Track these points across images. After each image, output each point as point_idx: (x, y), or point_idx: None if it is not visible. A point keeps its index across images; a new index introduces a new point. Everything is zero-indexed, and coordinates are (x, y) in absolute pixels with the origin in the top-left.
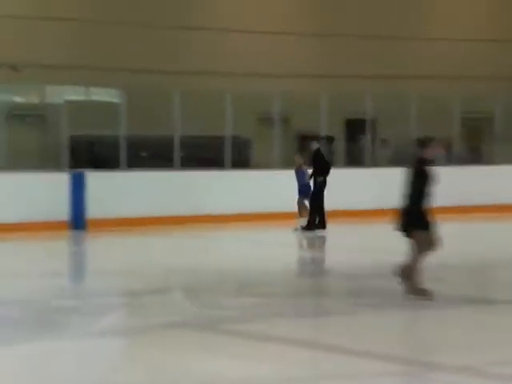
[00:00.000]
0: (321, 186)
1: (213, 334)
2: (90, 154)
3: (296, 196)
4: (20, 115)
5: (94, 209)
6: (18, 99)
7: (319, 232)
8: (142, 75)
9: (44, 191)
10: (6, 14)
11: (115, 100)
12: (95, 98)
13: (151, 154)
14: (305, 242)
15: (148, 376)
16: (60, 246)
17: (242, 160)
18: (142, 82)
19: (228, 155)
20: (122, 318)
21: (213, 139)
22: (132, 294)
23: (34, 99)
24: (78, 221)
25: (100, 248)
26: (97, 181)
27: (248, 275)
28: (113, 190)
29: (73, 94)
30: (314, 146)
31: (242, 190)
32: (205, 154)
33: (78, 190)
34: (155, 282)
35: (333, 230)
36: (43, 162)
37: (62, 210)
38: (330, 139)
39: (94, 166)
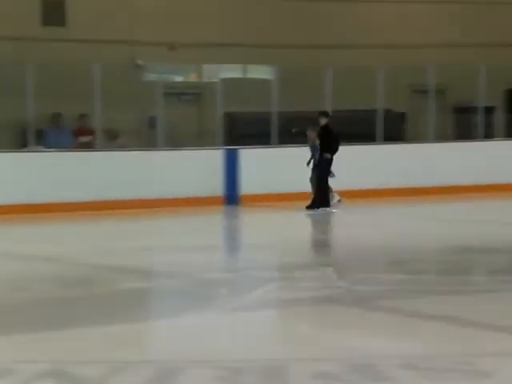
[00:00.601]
0: (328, 164)
1: (363, 310)
2: (243, 130)
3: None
4: (177, 94)
5: (246, 184)
6: (175, 78)
7: (323, 210)
8: (295, 51)
9: (200, 168)
10: None
11: (269, 77)
12: (250, 75)
13: (301, 130)
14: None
15: (299, 350)
16: (214, 221)
17: (394, 134)
18: (295, 58)
19: (380, 129)
20: (273, 292)
21: (364, 113)
22: (283, 268)
23: (190, 78)
24: (231, 196)
25: (252, 223)
26: (249, 157)
27: (401, 251)
28: (265, 166)
29: (229, 72)
30: (323, 121)
31: (393, 165)
32: (356, 128)
33: (231, 166)
34: (306, 257)
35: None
36: (199, 139)
37: (216, 186)
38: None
39: (247, 143)
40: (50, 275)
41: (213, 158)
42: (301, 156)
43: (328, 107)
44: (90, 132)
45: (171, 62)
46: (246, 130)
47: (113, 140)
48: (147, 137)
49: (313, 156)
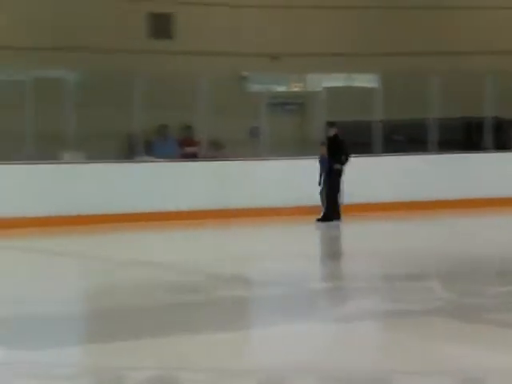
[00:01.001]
0: (338, 175)
1: (469, 322)
2: (346, 139)
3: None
4: (280, 103)
5: (348, 193)
6: (279, 88)
7: (335, 223)
8: (398, 58)
9: (301, 177)
10: (264, 4)
11: (373, 85)
12: (354, 83)
13: (406, 137)
14: None
15: (405, 362)
16: (315, 230)
17: (503, 142)
18: (399, 66)
19: (488, 137)
20: (376, 303)
21: (469, 120)
22: (386, 278)
23: (294, 87)
24: None
25: (354, 232)
26: (350, 165)
27: (503, 262)
28: (366, 175)
29: (332, 81)
30: (331, 132)
31: (503, 172)
32: (461, 136)
33: None
34: (410, 268)
35: None
36: (302, 148)
37: (316, 195)
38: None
39: (350, 152)
40: (162, 282)
41: (315, 167)
42: (405, 165)
43: (434, 114)
44: (195, 143)
45: (275, 72)
46: (348, 139)
47: (217, 150)
48: (251, 147)
49: (322, 170)
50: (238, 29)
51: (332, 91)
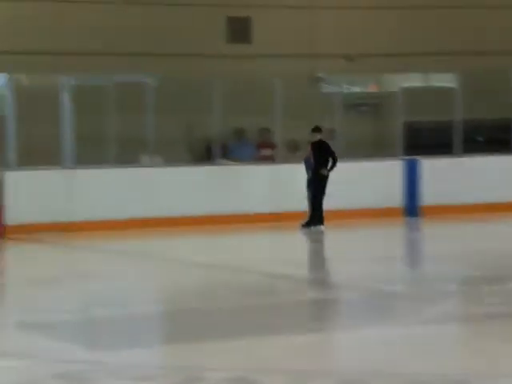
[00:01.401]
0: (324, 180)
1: None
2: (424, 140)
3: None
4: (356, 104)
5: (428, 196)
6: (355, 89)
7: (316, 228)
8: (478, 57)
9: (378, 179)
10: (340, 5)
11: (452, 85)
12: (431, 83)
13: (488, 138)
14: None
15: (488, 365)
16: (394, 232)
17: None
18: (478, 65)
19: None
20: (458, 306)
21: None
22: (468, 281)
23: (369, 88)
24: (411, 208)
25: (435, 235)
26: (431, 167)
27: None
28: (447, 177)
29: (409, 81)
30: (316, 136)
31: None
32: None
33: (411, 176)
34: (490, 270)
35: None
36: (378, 150)
37: (395, 197)
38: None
39: (428, 153)
40: (239, 284)
41: (392, 169)
42: (486, 166)
43: None
44: (272, 145)
45: (350, 73)
46: (426, 140)
47: (293, 152)
48: None
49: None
50: (315, 30)
51: (409, 91)
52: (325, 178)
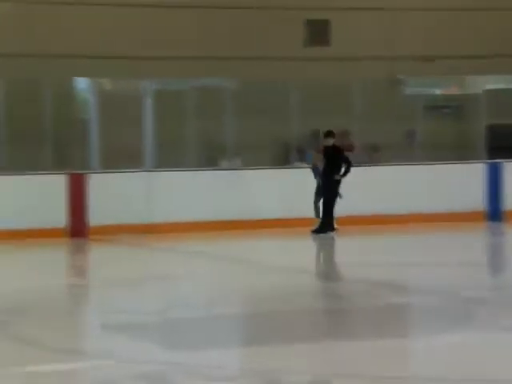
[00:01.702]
0: (336, 185)
1: None
2: (508, 143)
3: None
4: (437, 106)
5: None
6: (436, 91)
7: (326, 235)
8: None
9: (460, 182)
10: (418, 7)
11: None
12: None
13: None
14: None
15: None
16: (477, 237)
17: None
18: None
19: None
20: None
21: None
22: None
23: (452, 90)
24: (494, 211)
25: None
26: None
27: None
28: None
29: (493, 83)
30: (329, 141)
31: None
32: None
33: (494, 180)
34: None
35: None
36: (460, 152)
37: (478, 201)
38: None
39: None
40: (311, 288)
41: (474, 172)
42: None
43: None
44: (351, 148)
45: (431, 75)
46: (510, 143)
47: (373, 154)
48: (406, 151)
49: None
50: (394, 32)
51: (493, 93)
52: (337, 184)
